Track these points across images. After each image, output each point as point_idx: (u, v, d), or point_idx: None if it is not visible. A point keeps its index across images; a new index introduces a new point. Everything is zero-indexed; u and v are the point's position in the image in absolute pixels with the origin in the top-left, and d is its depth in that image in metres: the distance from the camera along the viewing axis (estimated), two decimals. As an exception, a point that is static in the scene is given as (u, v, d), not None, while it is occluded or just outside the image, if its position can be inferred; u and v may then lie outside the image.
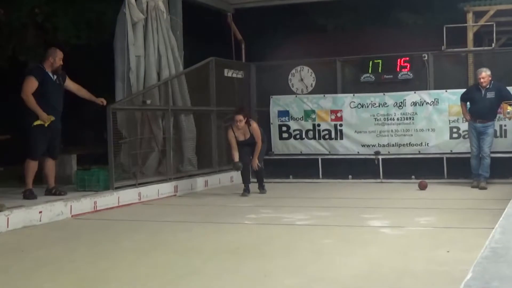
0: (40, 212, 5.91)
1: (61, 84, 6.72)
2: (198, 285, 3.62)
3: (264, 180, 8.10)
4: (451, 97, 8.56)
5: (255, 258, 4.32)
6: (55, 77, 6.61)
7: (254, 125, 7.92)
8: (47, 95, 6.54)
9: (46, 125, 6.40)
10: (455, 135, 8.68)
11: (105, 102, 7.18)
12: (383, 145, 9.04)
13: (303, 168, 9.41)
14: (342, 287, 3.48)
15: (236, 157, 7.75)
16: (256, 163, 7.81)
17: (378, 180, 8.95)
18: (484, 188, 7.63)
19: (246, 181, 7.94)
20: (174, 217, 6.31)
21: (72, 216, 6.25)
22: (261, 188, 7.99)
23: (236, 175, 8.86)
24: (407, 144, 8.93)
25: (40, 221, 5.85)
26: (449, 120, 8.68)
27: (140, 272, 3.98)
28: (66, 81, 6.82)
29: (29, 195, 6.34)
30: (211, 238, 5.04)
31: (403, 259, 4.16)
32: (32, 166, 6.50)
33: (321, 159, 9.34)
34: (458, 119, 8.49)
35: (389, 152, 8.98)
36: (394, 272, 3.78)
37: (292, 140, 9.57)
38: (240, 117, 7.76)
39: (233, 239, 5.00)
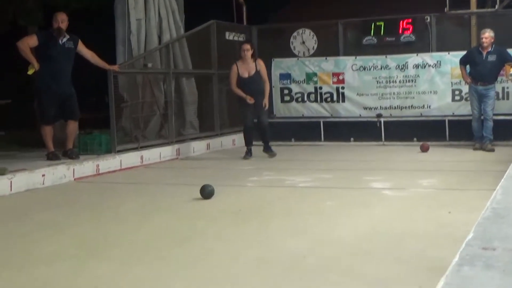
0: (43, 175, 5.93)
1: (70, 48, 6.63)
2: (201, 247, 3.62)
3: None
4: (454, 60, 8.40)
5: (257, 220, 4.33)
6: (63, 40, 6.53)
7: (261, 61, 7.61)
8: (52, 59, 6.48)
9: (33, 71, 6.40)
10: (457, 98, 8.59)
11: (117, 69, 7.19)
12: (385, 108, 8.95)
13: (305, 131, 9.34)
14: (345, 248, 3.48)
15: (243, 93, 7.33)
16: (266, 102, 7.41)
17: (380, 143, 8.89)
18: (492, 150, 7.52)
19: (248, 143, 7.75)
20: (176, 180, 6.31)
21: (74, 179, 6.27)
22: (269, 150, 7.64)
23: (239, 139, 8.78)
24: (409, 106, 8.84)
25: (43, 184, 5.87)
26: (451, 83, 8.57)
27: (143, 235, 3.98)
28: (79, 46, 6.71)
29: (52, 157, 6.45)
30: (214, 200, 4.99)
31: (405, 220, 4.15)
32: (46, 130, 6.56)
33: (323, 122, 9.28)
34: (460, 81, 8.34)
35: (391, 114, 8.87)
36: (396, 233, 3.76)
37: (294, 103, 9.48)
38: (248, 46, 7.47)
39: (236, 202, 5.00)
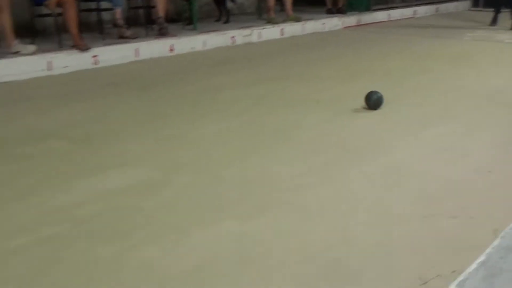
0: (323, 23, 7.87)
1: None
2: (432, 78, 4.68)
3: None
4: None
5: (470, 65, 5.19)
6: None
7: None
8: None
9: None
10: None
11: None
12: None
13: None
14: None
15: None
16: None
17: None
18: None
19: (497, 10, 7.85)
20: (411, 31, 7.62)
21: (343, 27, 8.19)
22: None
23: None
24: None
25: (323, 29, 7.82)
26: None
27: (391, 63, 5.34)
28: None
29: (328, 12, 8.35)
30: (439, 47, 6.17)
31: None
32: None
33: None
34: None
35: None
36: None
37: None
38: None
39: (454, 50, 6.02)
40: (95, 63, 5.31)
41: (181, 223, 2.00)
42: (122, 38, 5.99)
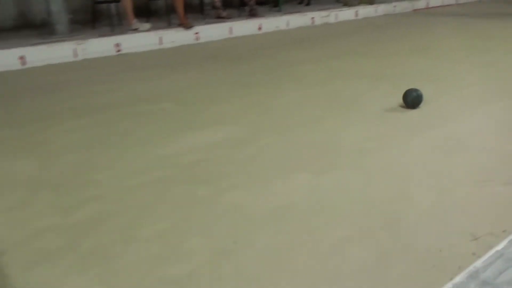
0: (394, 6, 7.64)
1: None
2: (491, 58, 4.44)
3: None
4: None
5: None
6: None
7: None
8: None
9: None
10: None
11: None
12: None
13: None
14: None
15: None
16: None
17: None
18: None
19: None
20: (478, 14, 7.12)
21: (413, 10, 7.78)
22: None
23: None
24: None
25: (395, 12, 7.65)
26: None
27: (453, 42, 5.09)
28: None
29: None
30: (503, 29, 5.72)
31: None
32: None
33: None
34: None
35: None
36: None
37: None
38: None
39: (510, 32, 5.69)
40: (197, 39, 5.42)
41: (264, 173, 2.04)
42: (219, 18, 6.04)
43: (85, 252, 1.51)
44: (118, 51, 4.85)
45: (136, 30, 5.17)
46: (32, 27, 5.69)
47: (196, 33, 5.41)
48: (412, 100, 2.84)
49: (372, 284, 1.31)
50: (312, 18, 6.50)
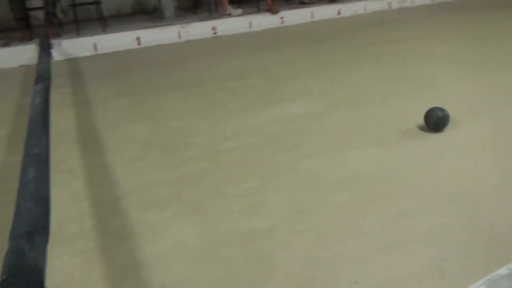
0: None
1: None
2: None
3: None
4: None
5: None
6: None
7: None
8: None
9: None
10: None
11: None
12: None
13: None
14: None
15: None
16: None
17: None
18: None
19: None
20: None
21: None
22: None
23: None
24: None
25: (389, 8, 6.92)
26: None
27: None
28: None
29: None
30: None
31: None
32: None
33: None
34: None
35: None
36: None
37: None
38: None
39: None
40: (282, 22, 5.34)
41: (338, 143, 1.99)
42: (302, 4, 5.88)
43: (186, 202, 1.59)
44: (214, 33, 4.93)
45: (229, 15, 5.21)
46: (146, 13, 5.97)
47: (282, 17, 5.32)
48: (434, 122, 2.07)
49: (436, 251, 1.25)
50: (389, 2, 6.09)
